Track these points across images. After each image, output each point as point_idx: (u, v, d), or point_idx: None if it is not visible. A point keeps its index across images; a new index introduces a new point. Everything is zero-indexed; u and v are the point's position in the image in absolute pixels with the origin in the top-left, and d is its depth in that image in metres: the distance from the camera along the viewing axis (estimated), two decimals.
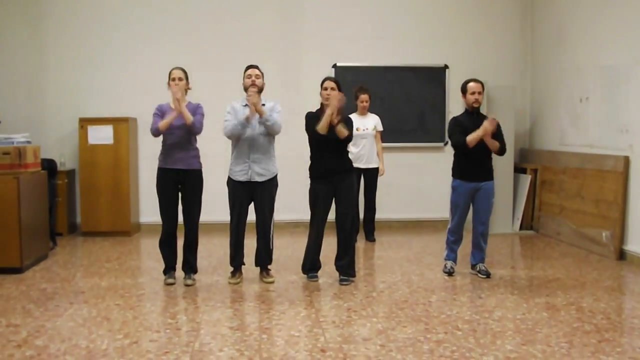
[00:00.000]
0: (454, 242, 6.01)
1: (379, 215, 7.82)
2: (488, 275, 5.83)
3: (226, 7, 8.50)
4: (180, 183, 5.54)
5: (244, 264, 5.73)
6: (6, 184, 5.92)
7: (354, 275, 5.72)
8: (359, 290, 5.39)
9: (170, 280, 5.60)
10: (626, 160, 6.56)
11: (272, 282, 5.63)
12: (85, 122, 8.02)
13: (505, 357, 3.85)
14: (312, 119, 5.52)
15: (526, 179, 8.43)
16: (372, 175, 7.54)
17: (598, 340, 4.14)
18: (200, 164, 5.62)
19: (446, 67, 8.75)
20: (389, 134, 7.89)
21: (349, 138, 5.50)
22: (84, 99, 8.36)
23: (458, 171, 5.83)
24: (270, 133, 5.53)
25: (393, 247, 7.40)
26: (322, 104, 5.54)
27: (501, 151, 5.78)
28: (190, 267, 5.70)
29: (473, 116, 5.76)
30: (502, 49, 8.83)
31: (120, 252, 7.09)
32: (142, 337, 4.22)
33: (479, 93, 5.72)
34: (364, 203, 7.65)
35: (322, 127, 5.35)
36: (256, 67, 5.63)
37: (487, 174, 5.81)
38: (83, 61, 8.36)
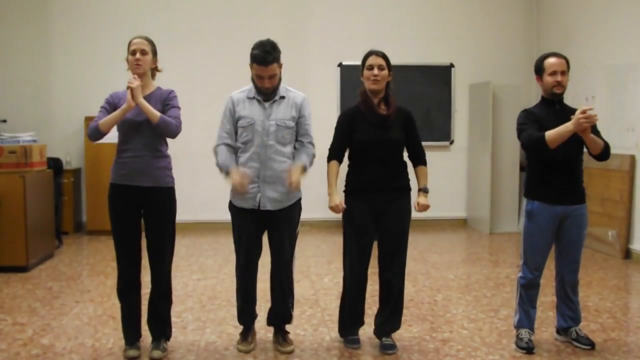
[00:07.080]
0: (530, 299, 3.98)
1: None
2: (591, 345, 3.94)
3: (231, 6, 8.50)
4: (142, 206, 3.79)
5: (255, 317, 4.09)
6: (12, 183, 5.94)
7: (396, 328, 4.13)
8: None
9: (132, 353, 3.84)
10: (632, 159, 6.54)
11: (291, 352, 3.93)
12: (91, 121, 7.99)
13: (510, 356, 3.84)
14: (348, 121, 3.97)
15: None
16: None
17: (604, 340, 4.13)
18: (172, 178, 3.86)
19: (452, 65, 8.73)
20: None
21: None
22: (90, 97, 8.30)
23: (537, 189, 3.93)
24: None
25: None
26: (363, 92, 3.99)
27: (605, 153, 3.87)
28: (161, 329, 3.93)
29: (554, 107, 3.95)
30: (508, 48, 8.79)
31: None
32: (148, 335, 4.21)
33: (562, 73, 3.88)
34: None
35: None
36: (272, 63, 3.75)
37: (579, 193, 3.96)
38: (89, 60, 8.37)
